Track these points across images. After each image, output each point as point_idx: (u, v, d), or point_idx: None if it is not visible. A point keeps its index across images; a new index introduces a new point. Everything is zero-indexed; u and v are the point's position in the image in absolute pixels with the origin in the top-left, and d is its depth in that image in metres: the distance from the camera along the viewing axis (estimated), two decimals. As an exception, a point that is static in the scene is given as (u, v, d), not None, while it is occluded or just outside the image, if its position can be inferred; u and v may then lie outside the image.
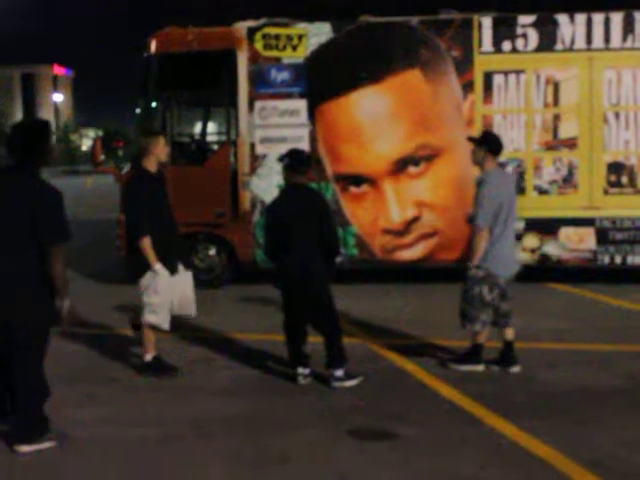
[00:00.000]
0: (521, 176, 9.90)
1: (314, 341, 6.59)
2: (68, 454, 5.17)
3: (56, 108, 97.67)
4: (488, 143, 6.61)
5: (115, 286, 10.78)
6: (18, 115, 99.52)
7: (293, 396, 6.23)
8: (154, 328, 6.83)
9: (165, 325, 6.83)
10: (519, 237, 9.18)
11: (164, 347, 7.36)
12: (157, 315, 6.75)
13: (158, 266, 6.62)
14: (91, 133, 76.38)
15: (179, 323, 8.45)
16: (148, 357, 6.86)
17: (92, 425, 5.70)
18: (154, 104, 10.97)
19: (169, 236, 6.79)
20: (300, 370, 6.49)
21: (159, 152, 6.81)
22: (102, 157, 10.69)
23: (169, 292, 6.74)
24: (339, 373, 6.40)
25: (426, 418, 5.67)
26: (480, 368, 6.67)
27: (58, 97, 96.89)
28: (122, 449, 5.24)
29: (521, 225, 9.60)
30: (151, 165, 6.83)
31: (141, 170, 6.89)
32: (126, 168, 11.22)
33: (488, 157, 6.55)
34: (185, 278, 6.95)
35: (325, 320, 6.48)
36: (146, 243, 6.58)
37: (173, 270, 6.76)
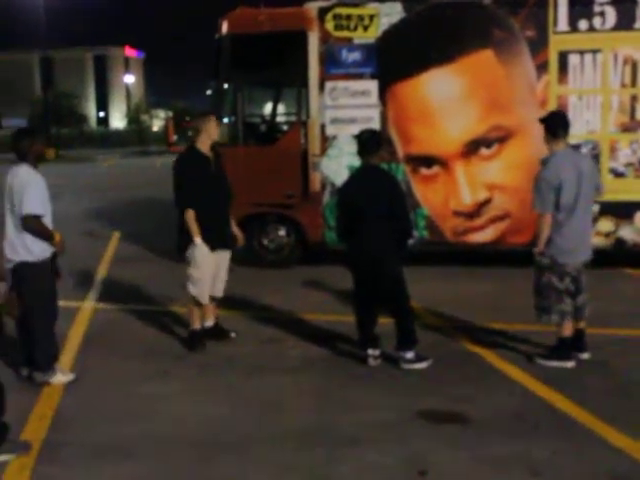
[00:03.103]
0: (596, 158, 9.69)
1: (384, 322, 6.58)
2: (141, 429, 5.29)
3: (127, 89, 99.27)
4: (547, 125, 6.38)
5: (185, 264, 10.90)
6: (91, 96, 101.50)
7: (363, 377, 6.25)
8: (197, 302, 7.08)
9: (203, 299, 7.05)
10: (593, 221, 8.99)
11: (237, 327, 7.48)
12: (196, 287, 7.01)
13: (198, 240, 6.86)
14: (161, 114, 77.39)
15: (249, 303, 8.58)
16: (190, 329, 7.13)
17: (164, 400, 5.82)
18: (226, 85, 11.06)
19: (214, 214, 6.98)
20: (370, 351, 6.50)
21: (211, 131, 6.99)
22: (175, 137, 10.86)
23: (209, 267, 6.98)
24: (409, 355, 6.40)
25: (497, 401, 5.64)
26: (569, 364, 6.29)
27: (129, 79, 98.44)
28: (193, 425, 5.34)
29: (595, 209, 9.39)
30: (202, 144, 7.02)
31: (191, 148, 7.10)
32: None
33: (551, 139, 6.36)
34: (224, 257, 7.17)
35: (396, 302, 6.47)
36: (189, 216, 6.85)
37: (213, 246, 6.96)
